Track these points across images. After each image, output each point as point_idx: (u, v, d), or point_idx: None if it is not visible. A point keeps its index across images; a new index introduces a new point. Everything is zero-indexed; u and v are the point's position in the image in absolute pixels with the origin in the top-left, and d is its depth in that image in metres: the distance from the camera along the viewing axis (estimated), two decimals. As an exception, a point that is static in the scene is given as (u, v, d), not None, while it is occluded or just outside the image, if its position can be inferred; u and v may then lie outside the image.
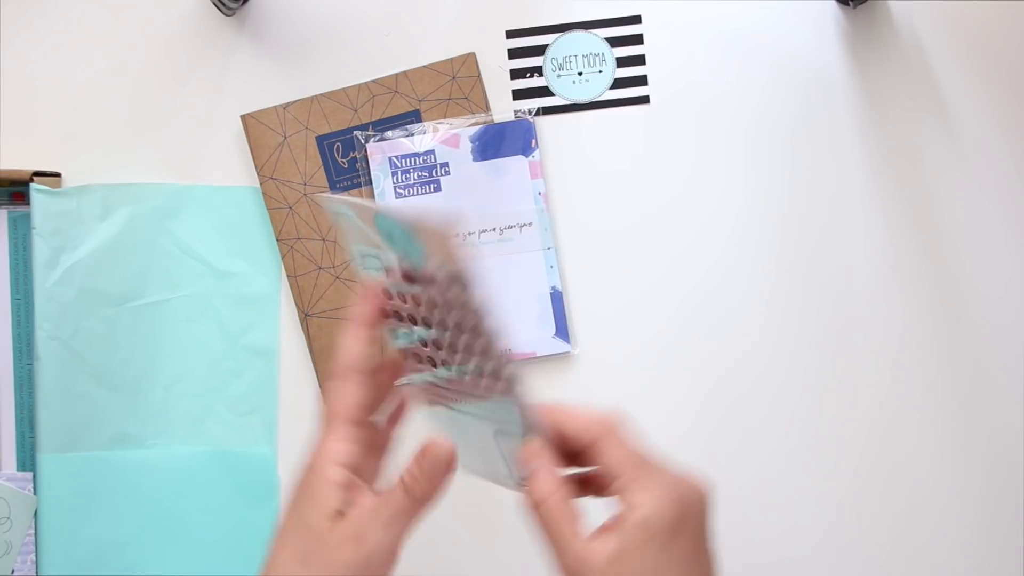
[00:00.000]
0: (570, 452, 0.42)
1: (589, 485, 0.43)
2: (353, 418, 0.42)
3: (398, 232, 0.39)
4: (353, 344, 0.43)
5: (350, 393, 0.42)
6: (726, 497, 0.44)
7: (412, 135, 0.70)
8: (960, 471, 0.69)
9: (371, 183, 0.70)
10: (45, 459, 0.68)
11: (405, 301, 0.42)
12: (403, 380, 0.45)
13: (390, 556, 0.40)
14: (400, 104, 0.70)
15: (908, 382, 0.69)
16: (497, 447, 0.44)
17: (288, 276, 0.70)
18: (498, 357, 0.39)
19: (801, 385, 0.70)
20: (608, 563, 0.37)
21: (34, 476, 0.68)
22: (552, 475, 0.41)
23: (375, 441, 0.44)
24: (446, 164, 0.70)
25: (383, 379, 0.45)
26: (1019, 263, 0.69)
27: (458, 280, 0.38)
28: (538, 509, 0.40)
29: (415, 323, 0.42)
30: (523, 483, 0.42)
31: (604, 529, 0.39)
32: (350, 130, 0.70)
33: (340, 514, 0.40)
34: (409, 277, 0.41)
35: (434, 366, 0.43)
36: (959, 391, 0.69)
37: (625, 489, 0.39)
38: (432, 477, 0.41)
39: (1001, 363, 0.69)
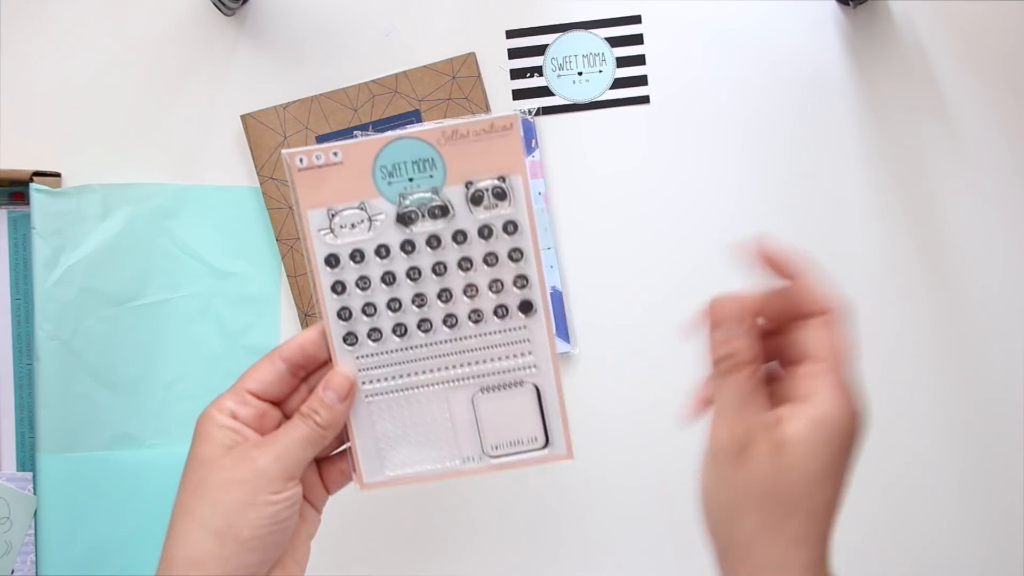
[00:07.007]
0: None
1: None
2: (253, 389, 0.44)
3: (419, 156, 0.40)
4: (300, 338, 0.45)
5: (263, 369, 0.44)
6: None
7: (412, 135, 0.70)
8: (952, 453, 0.69)
9: (371, 183, 0.70)
10: (45, 459, 0.68)
11: (383, 257, 0.44)
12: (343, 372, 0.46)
13: (283, 482, 0.42)
14: (400, 104, 0.70)
15: (902, 376, 0.70)
16: (472, 413, 0.45)
17: (288, 276, 0.70)
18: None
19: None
20: (779, 445, 0.39)
21: (34, 476, 0.68)
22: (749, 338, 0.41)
23: (267, 417, 0.45)
24: (446, 164, 0.70)
25: (310, 378, 0.46)
26: (1015, 259, 0.70)
27: (501, 187, 0.40)
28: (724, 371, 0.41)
29: (391, 282, 0.44)
30: (495, 452, 0.45)
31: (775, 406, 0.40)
32: (350, 130, 0.70)
33: (230, 448, 0.42)
34: (407, 219, 0.43)
35: (402, 335, 0.44)
36: (954, 384, 0.70)
37: (814, 377, 0.40)
38: (332, 406, 0.43)
39: (996, 351, 0.69)
